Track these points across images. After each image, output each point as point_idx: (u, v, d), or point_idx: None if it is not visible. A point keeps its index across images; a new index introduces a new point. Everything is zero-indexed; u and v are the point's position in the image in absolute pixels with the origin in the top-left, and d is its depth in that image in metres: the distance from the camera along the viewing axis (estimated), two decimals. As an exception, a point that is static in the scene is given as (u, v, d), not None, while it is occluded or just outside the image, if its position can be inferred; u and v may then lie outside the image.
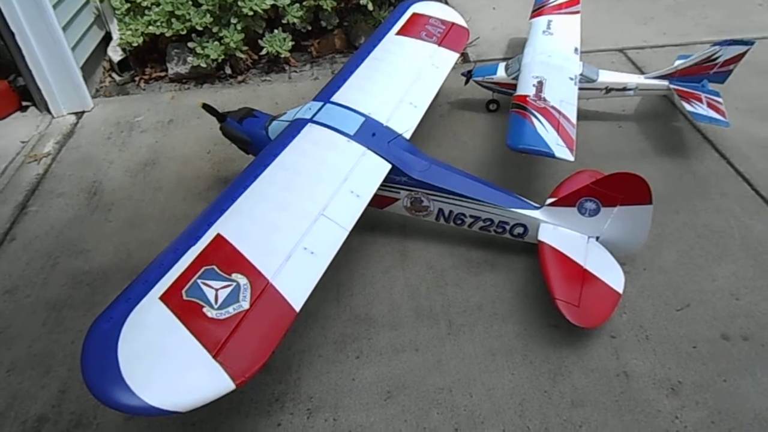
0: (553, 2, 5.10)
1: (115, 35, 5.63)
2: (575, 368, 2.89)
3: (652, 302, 3.20)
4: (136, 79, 5.71)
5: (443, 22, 4.37)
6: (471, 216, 3.32)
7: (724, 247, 3.51)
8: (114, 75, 5.73)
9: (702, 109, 4.14)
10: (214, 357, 2.10)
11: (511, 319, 3.15)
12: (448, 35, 4.26)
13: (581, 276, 2.99)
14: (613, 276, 3.02)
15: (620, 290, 2.96)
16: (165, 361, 2.09)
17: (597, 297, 2.94)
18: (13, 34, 4.67)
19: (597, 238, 3.16)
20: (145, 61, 5.78)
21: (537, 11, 5.05)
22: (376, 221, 3.59)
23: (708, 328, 3.05)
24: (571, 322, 2.82)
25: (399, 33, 4.17)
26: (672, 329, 3.05)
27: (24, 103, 5.25)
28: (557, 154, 3.39)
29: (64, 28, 4.91)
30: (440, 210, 3.36)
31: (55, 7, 4.77)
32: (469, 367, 2.92)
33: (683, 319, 3.10)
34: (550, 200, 3.31)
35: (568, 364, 2.91)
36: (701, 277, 3.33)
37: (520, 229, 3.29)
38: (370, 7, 5.44)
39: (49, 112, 5.13)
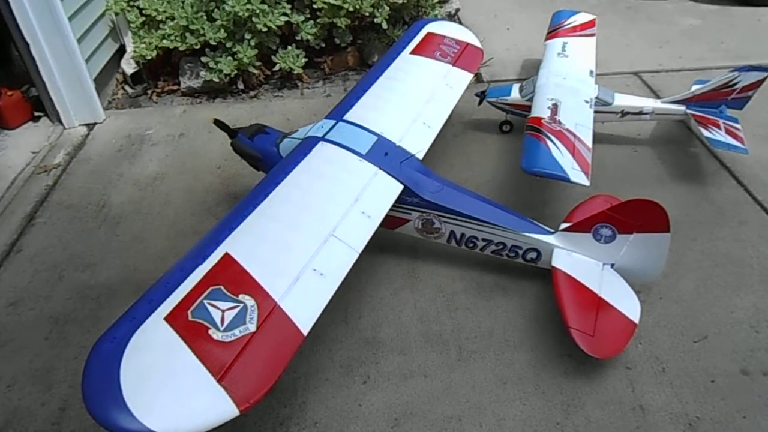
0: (568, 24, 5.08)
1: (129, 48, 5.64)
2: (589, 400, 2.80)
3: (669, 333, 3.11)
4: (149, 92, 5.70)
5: (458, 42, 4.34)
6: (483, 239, 3.26)
7: (742, 278, 3.42)
8: (127, 87, 5.74)
9: (720, 136, 4.08)
10: (219, 381, 2.03)
11: (523, 347, 3.07)
12: (462, 55, 4.22)
13: (596, 304, 2.91)
14: (628, 305, 2.94)
15: (636, 320, 2.88)
16: (168, 384, 2.03)
17: (612, 326, 2.86)
18: (27, 45, 4.68)
19: (612, 266, 3.09)
20: (158, 74, 5.79)
21: (552, 33, 5.02)
22: (386, 241, 3.52)
23: (727, 361, 2.95)
24: (586, 352, 2.74)
25: (413, 52, 4.14)
26: (689, 362, 2.96)
27: (36, 114, 5.24)
28: (572, 179, 3.32)
29: (79, 40, 4.92)
30: (452, 232, 3.30)
31: (70, 19, 4.78)
32: (479, 396, 2.84)
33: (701, 351, 3.01)
34: (564, 225, 3.24)
35: (582, 395, 2.82)
36: (719, 308, 3.25)
37: (533, 254, 3.22)
38: (384, 25, 5.42)
39: (60, 123, 5.12)
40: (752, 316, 3.18)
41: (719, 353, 3.00)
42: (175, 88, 5.70)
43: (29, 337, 3.22)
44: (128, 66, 5.62)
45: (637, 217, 2.89)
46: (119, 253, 3.76)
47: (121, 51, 5.77)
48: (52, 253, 3.79)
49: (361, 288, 3.41)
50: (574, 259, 3.10)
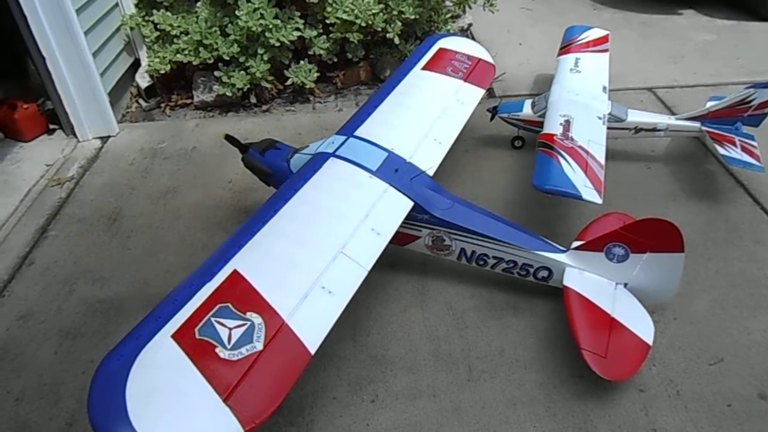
0: (581, 40, 5.05)
1: (144, 62, 5.70)
2: (601, 423, 2.74)
3: (683, 355, 3.05)
4: (162, 105, 5.75)
5: (470, 57, 4.33)
6: (494, 257, 3.22)
7: (759, 298, 3.35)
8: (140, 101, 5.79)
9: (735, 153, 4.02)
10: (225, 401, 2.02)
11: (534, 367, 3.02)
12: (474, 71, 4.21)
13: (608, 325, 2.86)
14: (642, 325, 2.89)
15: (650, 341, 2.82)
16: (174, 403, 2.02)
17: (625, 348, 2.81)
18: (44, 59, 4.74)
19: (625, 285, 3.04)
20: (172, 88, 5.83)
21: (565, 49, 4.99)
22: (395, 258, 3.50)
23: (743, 385, 2.88)
24: (598, 374, 2.69)
25: (425, 68, 4.13)
26: (705, 385, 2.89)
27: (51, 127, 5.31)
28: (585, 196, 3.29)
29: (94, 54, 4.97)
30: (462, 250, 3.27)
31: (86, 33, 4.84)
32: (489, 418, 2.79)
33: (717, 374, 2.94)
34: (576, 243, 3.21)
35: (594, 418, 2.77)
36: (735, 329, 3.18)
37: (544, 273, 3.18)
38: (397, 40, 5.43)
39: (75, 136, 5.18)
40: (769, 339, 3.12)
41: (736, 376, 2.93)
42: (189, 101, 5.74)
43: (39, 350, 3.23)
44: (142, 80, 5.68)
45: (650, 236, 2.84)
46: (129, 267, 3.77)
47: (136, 65, 5.84)
48: (64, 266, 3.81)
49: (369, 305, 3.38)
50: (586, 278, 3.06)
